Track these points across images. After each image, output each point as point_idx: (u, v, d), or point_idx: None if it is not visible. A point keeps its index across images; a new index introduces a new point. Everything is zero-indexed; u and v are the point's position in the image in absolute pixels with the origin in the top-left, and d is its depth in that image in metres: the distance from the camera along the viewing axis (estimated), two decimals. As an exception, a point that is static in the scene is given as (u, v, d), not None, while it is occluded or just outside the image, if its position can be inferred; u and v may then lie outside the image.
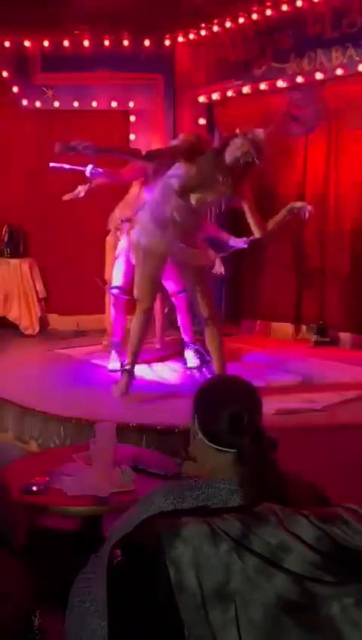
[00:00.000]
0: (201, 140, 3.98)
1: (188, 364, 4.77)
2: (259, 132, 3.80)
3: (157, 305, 5.05)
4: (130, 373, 4.14)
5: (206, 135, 5.38)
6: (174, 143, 4.06)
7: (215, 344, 4.19)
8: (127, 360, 4.16)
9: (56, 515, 2.27)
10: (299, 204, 4.25)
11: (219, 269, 5.13)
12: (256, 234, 4.15)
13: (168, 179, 3.89)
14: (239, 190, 3.94)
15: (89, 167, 4.36)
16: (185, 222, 3.90)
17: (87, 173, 4.44)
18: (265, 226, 4.11)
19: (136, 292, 4.11)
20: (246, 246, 4.80)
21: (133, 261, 4.36)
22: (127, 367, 4.14)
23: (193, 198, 3.87)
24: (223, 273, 5.25)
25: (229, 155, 3.76)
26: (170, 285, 4.77)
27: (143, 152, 4.09)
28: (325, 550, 1.26)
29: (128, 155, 4.03)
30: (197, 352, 4.79)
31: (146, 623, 1.26)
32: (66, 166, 4.62)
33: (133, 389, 4.25)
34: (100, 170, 4.52)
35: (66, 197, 4.94)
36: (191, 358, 4.81)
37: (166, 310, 5.35)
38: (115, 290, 4.81)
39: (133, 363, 4.15)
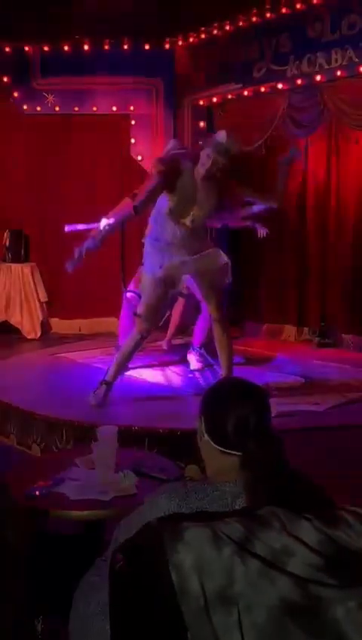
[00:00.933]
0: (175, 160, 3.92)
1: (191, 367, 4.77)
2: (221, 135, 3.77)
3: (179, 305, 5.04)
4: (110, 385, 4.07)
5: (188, 141, 5.33)
6: (149, 183, 3.97)
7: (224, 347, 4.19)
8: (110, 373, 4.10)
9: (58, 520, 2.26)
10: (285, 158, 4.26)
11: (261, 231, 5.19)
12: (273, 204, 4.21)
13: (159, 206, 3.91)
14: (227, 192, 3.93)
15: (103, 222, 4.26)
16: (186, 241, 3.92)
17: (101, 228, 4.38)
18: (274, 194, 4.19)
19: (139, 310, 4.10)
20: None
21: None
22: (108, 380, 4.07)
23: (187, 220, 3.88)
24: (267, 233, 5.26)
25: (201, 169, 3.76)
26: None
27: (133, 203, 4.05)
28: (328, 553, 1.25)
29: (125, 219, 4.03)
30: (201, 355, 4.79)
31: (149, 627, 1.26)
32: (80, 226, 4.64)
33: (136, 392, 4.24)
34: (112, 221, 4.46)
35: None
36: (193, 361, 4.81)
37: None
38: (129, 294, 4.82)
39: (116, 377, 4.11)
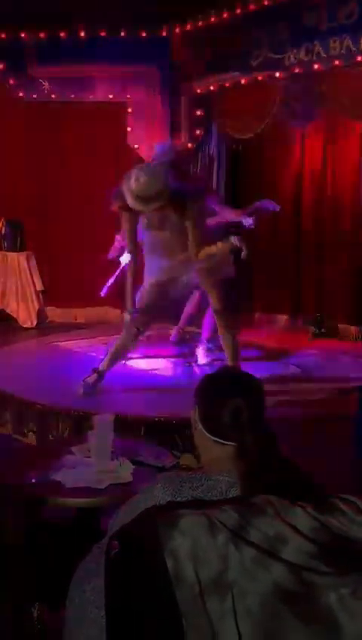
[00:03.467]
0: (119, 195, 3.87)
1: (199, 361, 4.73)
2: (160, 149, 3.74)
3: (194, 298, 5.07)
4: (101, 375, 4.09)
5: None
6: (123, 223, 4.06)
7: (228, 340, 4.21)
8: (104, 363, 4.11)
9: (54, 507, 2.28)
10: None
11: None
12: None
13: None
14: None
15: (125, 258, 4.30)
16: (175, 246, 3.93)
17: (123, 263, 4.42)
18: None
19: (137, 304, 4.09)
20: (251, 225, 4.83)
21: None
22: (101, 369, 4.09)
23: (166, 228, 3.89)
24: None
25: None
26: None
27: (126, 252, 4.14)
28: (322, 541, 1.26)
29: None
30: (208, 349, 4.77)
31: (144, 614, 1.27)
32: (110, 281, 4.60)
33: (133, 380, 4.25)
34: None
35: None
36: (201, 355, 4.78)
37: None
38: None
39: (109, 368, 4.12)
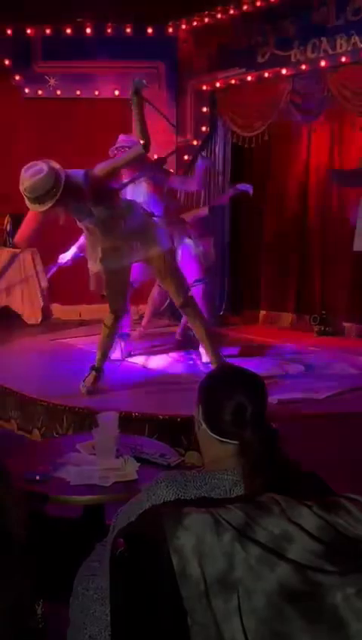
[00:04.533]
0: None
1: (203, 360, 4.68)
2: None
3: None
4: (99, 371, 4.10)
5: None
6: None
7: (200, 333, 4.12)
8: (97, 357, 4.12)
9: (58, 505, 2.28)
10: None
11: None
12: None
13: None
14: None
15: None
16: (106, 233, 3.87)
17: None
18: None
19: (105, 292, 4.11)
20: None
21: None
22: (96, 365, 4.10)
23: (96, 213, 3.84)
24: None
25: None
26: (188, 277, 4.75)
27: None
28: (328, 540, 1.26)
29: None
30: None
31: (149, 612, 1.27)
32: (55, 267, 5.04)
33: (137, 378, 4.25)
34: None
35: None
36: (203, 353, 4.73)
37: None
38: None
39: (103, 361, 4.13)
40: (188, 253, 4.81)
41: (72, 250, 4.84)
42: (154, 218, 4.28)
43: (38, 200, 3.55)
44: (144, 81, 3.76)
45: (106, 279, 4.02)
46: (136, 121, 3.74)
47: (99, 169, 3.71)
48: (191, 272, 4.70)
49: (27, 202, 3.64)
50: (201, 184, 5.21)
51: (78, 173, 3.68)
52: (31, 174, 3.56)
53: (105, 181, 3.75)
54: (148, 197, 4.62)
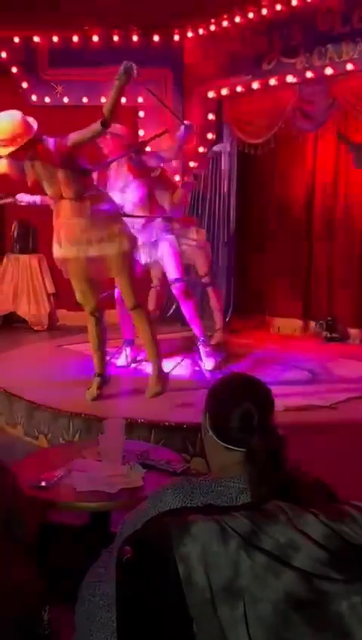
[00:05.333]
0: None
1: (206, 367, 4.67)
2: None
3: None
4: (102, 377, 4.11)
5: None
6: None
7: (146, 338, 4.06)
8: (95, 364, 4.14)
9: (65, 511, 2.28)
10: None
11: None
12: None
13: None
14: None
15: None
16: (69, 216, 3.83)
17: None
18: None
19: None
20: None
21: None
22: (97, 372, 4.12)
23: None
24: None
25: None
26: (168, 274, 4.68)
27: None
28: (334, 548, 1.26)
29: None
30: (209, 352, 4.71)
31: (155, 619, 1.27)
32: (7, 200, 5.02)
33: (143, 384, 4.25)
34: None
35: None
36: (205, 360, 4.70)
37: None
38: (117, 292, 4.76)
39: (102, 366, 4.13)
40: (170, 249, 4.59)
41: (34, 197, 4.68)
42: (131, 214, 4.30)
43: (3, 141, 3.57)
44: (134, 68, 3.71)
45: (69, 277, 4.00)
46: (110, 97, 3.68)
47: (67, 138, 3.72)
48: (171, 269, 4.59)
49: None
50: (177, 153, 4.82)
51: (49, 138, 3.74)
52: (3, 116, 3.61)
53: (72, 152, 3.74)
54: (129, 179, 4.51)
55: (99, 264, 3.88)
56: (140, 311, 4.01)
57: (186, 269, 4.92)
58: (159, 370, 4.07)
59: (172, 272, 4.59)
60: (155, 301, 5.27)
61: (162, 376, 4.06)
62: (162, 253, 4.60)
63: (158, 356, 4.09)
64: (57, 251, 3.94)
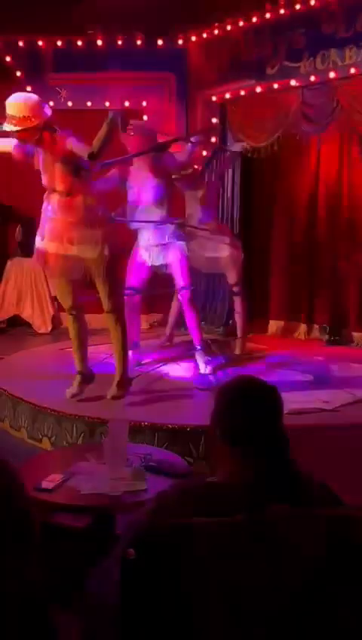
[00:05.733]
0: None
1: (201, 371, 4.63)
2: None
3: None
4: (82, 375, 4.15)
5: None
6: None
7: (117, 343, 4.06)
8: (75, 362, 4.17)
9: (68, 513, 2.29)
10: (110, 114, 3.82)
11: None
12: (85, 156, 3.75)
13: None
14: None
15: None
16: (59, 211, 3.83)
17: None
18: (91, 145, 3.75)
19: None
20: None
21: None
22: (78, 370, 4.15)
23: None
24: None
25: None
26: (176, 282, 4.67)
27: None
28: (337, 551, 1.26)
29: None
30: (207, 359, 4.68)
31: (160, 621, 1.27)
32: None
33: (147, 387, 4.26)
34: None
35: None
36: (202, 365, 4.68)
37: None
38: (127, 291, 4.76)
39: (82, 365, 4.16)
40: (180, 255, 4.57)
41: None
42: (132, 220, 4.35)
43: (13, 119, 3.62)
44: (119, 122, 3.85)
45: (47, 271, 4.04)
46: (99, 135, 3.68)
47: (68, 140, 3.75)
48: (178, 276, 4.58)
49: (5, 122, 3.67)
50: (188, 157, 4.78)
51: (60, 130, 3.79)
52: (19, 95, 3.70)
53: (74, 154, 3.77)
54: (148, 178, 4.52)
55: (77, 264, 3.89)
56: (115, 315, 4.02)
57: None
58: (123, 374, 4.08)
59: (180, 280, 4.60)
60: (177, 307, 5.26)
61: (125, 381, 4.07)
62: (172, 259, 4.59)
63: (125, 361, 4.11)
64: (38, 243, 3.98)
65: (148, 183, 4.55)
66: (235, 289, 5.31)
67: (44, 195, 3.96)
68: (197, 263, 5.07)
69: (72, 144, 3.74)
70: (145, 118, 6.48)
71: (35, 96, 3.73)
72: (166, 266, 4.66)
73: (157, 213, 4.56)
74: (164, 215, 4.58)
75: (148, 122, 4.71)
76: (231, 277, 5.24)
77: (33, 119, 3.63)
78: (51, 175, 3.82)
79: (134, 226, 4.68)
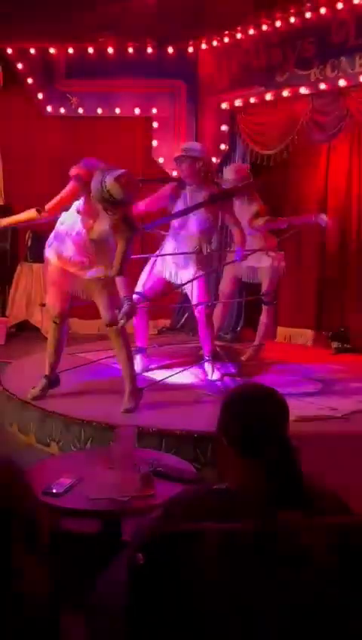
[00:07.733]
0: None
1: (209, 377, 4.63)
2: (115, 173, 3.69)
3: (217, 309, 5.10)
4: (49, 379, 4.21)
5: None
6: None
7: (121, 357, 4.10)
8: (46, 366, 4.23)
9: (77, 518, 2.29)
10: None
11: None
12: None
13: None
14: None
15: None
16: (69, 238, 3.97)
17: None
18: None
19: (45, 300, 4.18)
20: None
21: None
22: (46, 373, 4.22)
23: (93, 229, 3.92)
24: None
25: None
26: (193, 296, 4.71)
27: None
28: (346, 560, 1.26)
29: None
30: (215, 366, 4.69)
31: (167, 627, 1.27)
32: None
33: (154, 393, 4.26)
34: None
35: None
36: (210, 371, 4.70)
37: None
38: (135, 296, 4.76)
39: (50, 369, 4.22)
40: (194, 273, 4.58)
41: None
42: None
43: (110, 203, 3.69)
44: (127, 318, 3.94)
45: (45, 275, 4.11)
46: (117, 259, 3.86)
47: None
48: (196, 294, 4.62)
49: (98, 196, 3.71)
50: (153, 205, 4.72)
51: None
52: (124, 179, 3.71)
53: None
54: (200, 210, 4.52)
55: (75, 280, 4.03)
56: (116, 329, 4.03)
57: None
58: (133, 387, 4.08)
59: (196, 297, 4.65)
60: (221, 315, 5.29)
61: (135, 394, 4.05)
62: (188, 277, 4.59)
63: (132, 372, 4.13)
64: (46, 250, 4.10)
65: (198, 213, 4.55)
66: (265, 298, 5.32)
67: (70, 211, 4.00)
68: (237, 271, 5.22)
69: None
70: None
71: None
72: (182, 284, 4.68)
73: (196, 243, 4.58)
74: (204, 246, 4.59)
75: (202, 145, 4.68)
76: (265, 285, 5.25)
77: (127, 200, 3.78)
78: (96, 220, 3.89)
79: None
